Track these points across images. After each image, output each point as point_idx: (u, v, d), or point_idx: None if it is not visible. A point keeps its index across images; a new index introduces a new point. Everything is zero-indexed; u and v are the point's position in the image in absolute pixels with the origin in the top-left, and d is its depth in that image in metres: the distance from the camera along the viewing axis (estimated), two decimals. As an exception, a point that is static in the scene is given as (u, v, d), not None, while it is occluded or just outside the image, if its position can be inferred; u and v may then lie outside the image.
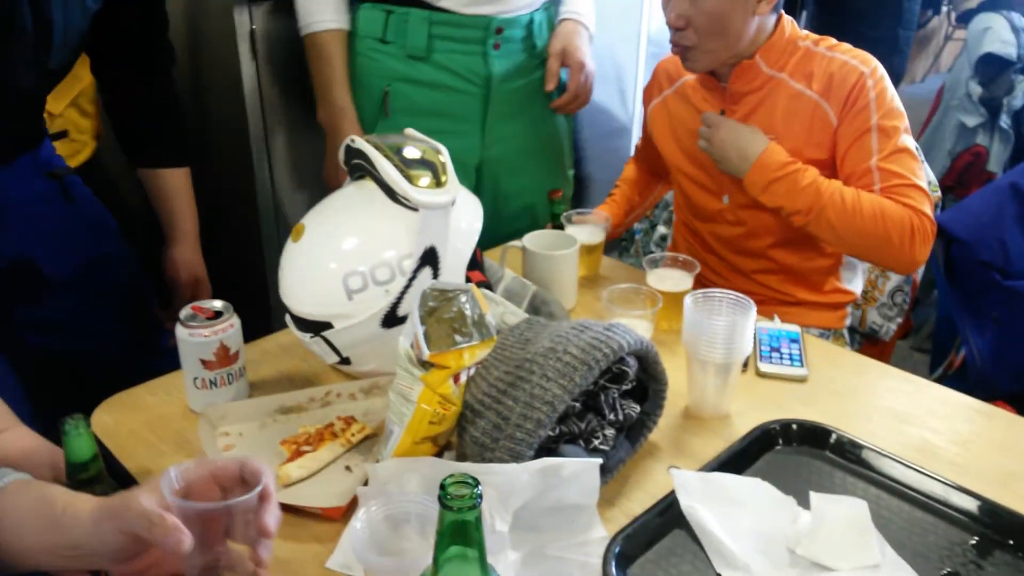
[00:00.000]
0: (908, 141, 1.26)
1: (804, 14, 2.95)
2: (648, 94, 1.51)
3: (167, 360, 1.04)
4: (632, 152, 1.70)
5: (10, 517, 0.70)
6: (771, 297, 1.41)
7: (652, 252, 1.73)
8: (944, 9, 4.75)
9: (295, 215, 1.45)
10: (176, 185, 1.39)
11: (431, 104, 1.50)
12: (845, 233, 1.23)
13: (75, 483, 0.77)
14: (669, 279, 1.20)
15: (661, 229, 1.95)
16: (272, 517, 0.66)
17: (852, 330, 1.58)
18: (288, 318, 1.04)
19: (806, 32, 1.32)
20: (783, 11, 1.31)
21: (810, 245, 1.37)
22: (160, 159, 1.40)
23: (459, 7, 1.45)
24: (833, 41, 1.31)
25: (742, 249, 1.41)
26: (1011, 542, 0.82)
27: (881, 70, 1.26)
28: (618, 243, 1.86)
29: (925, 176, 1.29)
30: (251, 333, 1.09)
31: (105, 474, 0.80)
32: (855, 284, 1.48)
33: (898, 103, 1.27)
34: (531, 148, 1.62)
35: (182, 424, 0.98)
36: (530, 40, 1.54)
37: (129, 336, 1.34)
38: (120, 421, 0.99)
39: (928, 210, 1.23)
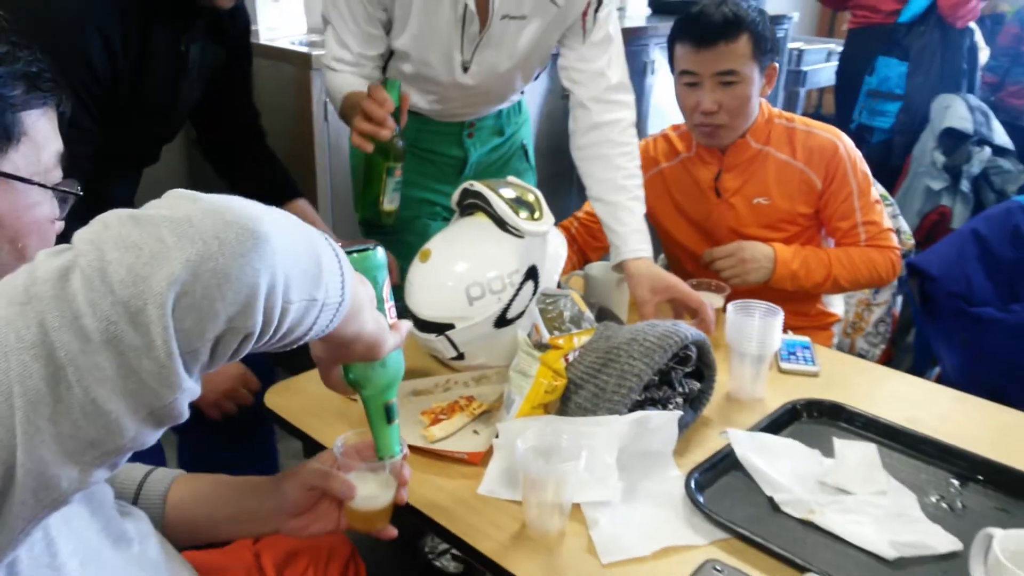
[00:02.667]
0: (875, 191, 1.64)
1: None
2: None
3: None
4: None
5: (196, 496, 0.91)
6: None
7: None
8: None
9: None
10: (302, 213, 1.61)
11: (417, 175, 1.63)
12: (850, 285, 1.63)
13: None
14: (705, 299, 1.49)
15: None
16: (407, 472, 0.91)
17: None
18: (411, 323, 1.32)
19: (779, 111, 1.67)
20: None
21: (793, 295, 1.66)
22: (279, 197, 1.63)
23: (434, 116, 1.62)
24: (801, 117, 1.67)
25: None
26: (980, 477, 1.10)
27: (846, 137, 1.64)
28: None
29: (891, 219, 1.71)
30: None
31: None
32: (837, 307, 1.81)
33: (863, 163, 1.64)
34: None
35: (338, 403, 1.23)
36: (499, 127, 1.70)
37: None
38: (290, 402, 1.25)
39: (895, 243, 1.64)
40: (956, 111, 2.67)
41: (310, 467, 0.92)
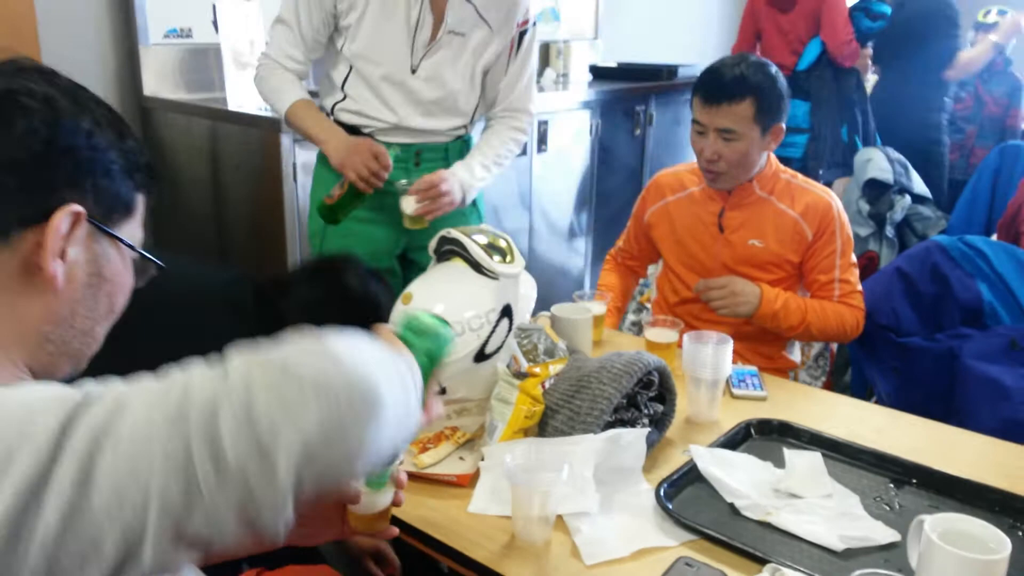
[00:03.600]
0: (854, 256, 1.81)
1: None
2: (645, 203, 1.96)
3: None
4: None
5: None
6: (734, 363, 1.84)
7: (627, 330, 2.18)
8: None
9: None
10: None
11: (371, 199, 1.78)
12: (819, 335, 1.79)
13: None
14: (662, 334, 1.62)
15: (631, 317, 2.40)
16: (404, 476, 1.01)
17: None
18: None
19: (784, 168, 1.84)
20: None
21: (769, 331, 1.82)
22: None
23: (382, 136, 1.81)
24: (802, 176, 1.84)
25: (715, 324, 1.84)
26: (913, 480, 1.24)
27: (838, 200, 1.82)
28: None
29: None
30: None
31: None
32: (795, 354, 1.95)
33: (849, 227, 1.82)
34: None
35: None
36: (447, 161, 1.89)
37: None
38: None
39: (862, 305, 1.80)
40: (877, 163, 2.92)
41: None
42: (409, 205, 1.76)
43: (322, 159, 1.88)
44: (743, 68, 1.71)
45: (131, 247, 0.77)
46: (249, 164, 2.44)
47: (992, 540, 0.96)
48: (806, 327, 1.75)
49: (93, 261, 0.74)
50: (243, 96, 2.52)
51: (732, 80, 1.69)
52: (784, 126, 1.78)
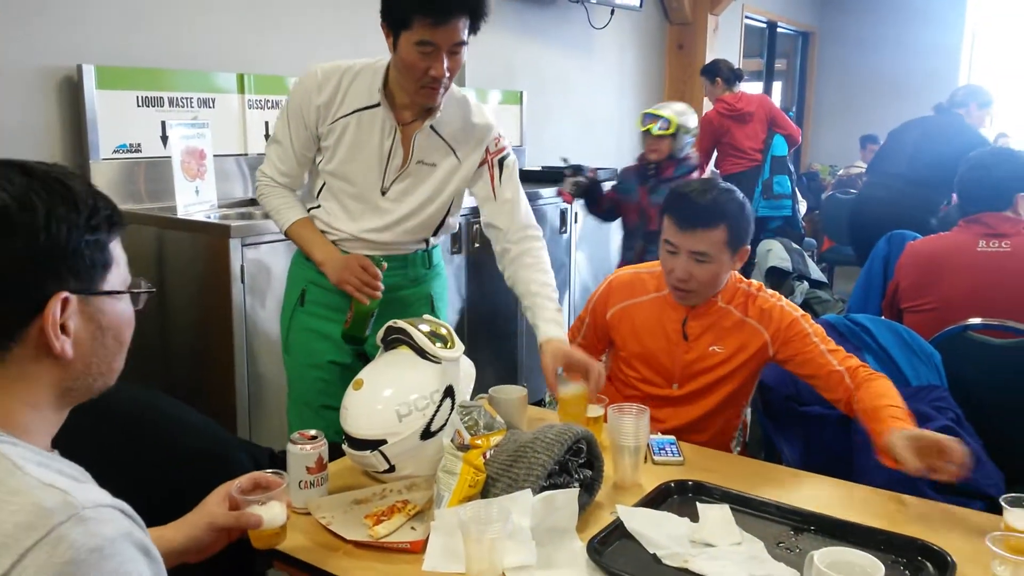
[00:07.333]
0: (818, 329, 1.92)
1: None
2: (605, 303, 2.04)
3: None
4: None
5: None
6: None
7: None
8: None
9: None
10: None
11: (334, 301, 1.93)
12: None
13: None
14: (590, 409, 1.78)
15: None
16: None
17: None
18: (345, 445, 1.54)
19: (742, 278, 1.98)
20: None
21: (722, 421, 1.98)
22: None
23: (346, 246, 1.93)
24: (756, 284, 1.97)
25: (672, 411, 1.96)
26: (812, 527, 1.42)
27: (787, 301, 1.95)
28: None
29: None
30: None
31: None
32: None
33: (809, 319, 1.92)
34: None
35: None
36: (405, 271, 1.98)
37: None
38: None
39: (864, 362, 1.84)
40: (777, 253, 3.23)
41: (219, 513, 1.21)
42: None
43: (296, 260, 2.04)
44: (716, 195, 1.82)
45: (121, 292, 0.90)
46: (195, 269, 2.57)
47: (870, 567, 1.15)
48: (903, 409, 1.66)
49: (92, 320, 0.87)
50: (191, 205, 2.67)
51: (706, 207, 1.81)
52: (749, 246, 1.92)
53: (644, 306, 2.01)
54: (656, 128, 3.34)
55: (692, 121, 3.46)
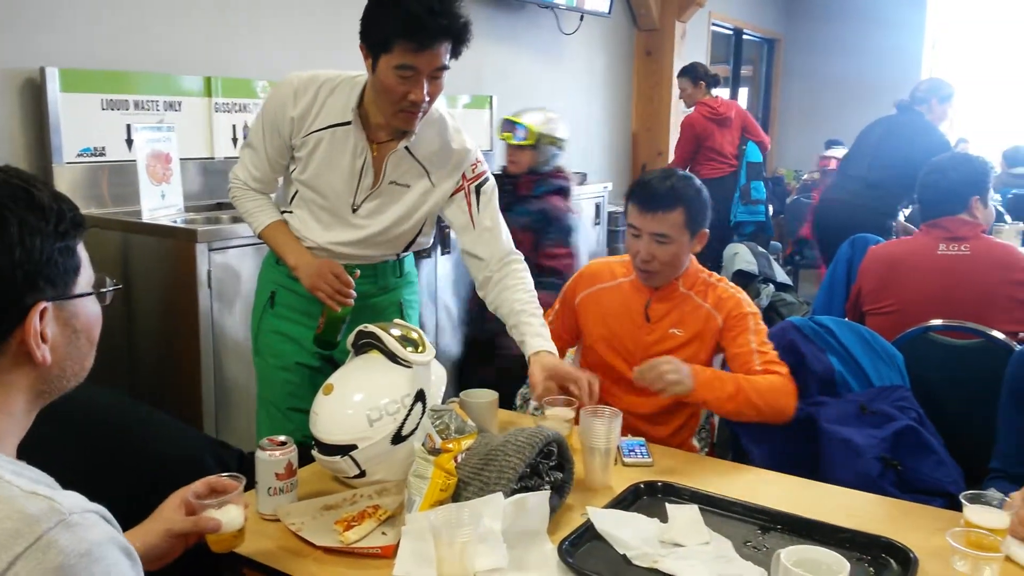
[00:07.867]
0: (765, 334, 1.99)
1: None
2: (574, 290, 2.13)
3: None
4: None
5: None
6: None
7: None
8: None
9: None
10: None
11: (303, 304, 1.93)
12: (760, 401, 1.84)
13: None
14: (561, 412, 1.80)
15: (532, 402, 2.58)
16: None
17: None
18: (315, 451, 1.54)
19: (701, 268, 2.06)
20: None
21: (684, 414, 2.04)
22: None
23: (322, 255, 1.90)
24: (716, 276, 2.07)
25: (635, 399, 2.00)
26: (778, 526, 1.44)
27: (744, 294, 2.04)
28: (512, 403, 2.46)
29: None
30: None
31: None
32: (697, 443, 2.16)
33: (759, 318, 2.01)
34: None
35: (255, 523, 1.42)
36: (375, 280, 1.96)
37: None
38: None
39: (787, 372, 1.92)
40: (743, 256, 3.27)
41: (176, 519, 1.20)
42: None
43: (267, 263, 2.04)
44: (674, 181, 1.95)
45: (91, 293, 0.91)
46: (162, 273, 2.54)
47: (835, 564, 1.17)
48: (744, 396, 1.82)
49: (67, 325, 0.88)
50: (156, 210, 2.64)
51: (665, 192, 1.93)
52: (707, 230, 2.02)
53: (611, 290, 2.11)
54: (514, 138, 2.92)
55: (560, 131, 2.97)
